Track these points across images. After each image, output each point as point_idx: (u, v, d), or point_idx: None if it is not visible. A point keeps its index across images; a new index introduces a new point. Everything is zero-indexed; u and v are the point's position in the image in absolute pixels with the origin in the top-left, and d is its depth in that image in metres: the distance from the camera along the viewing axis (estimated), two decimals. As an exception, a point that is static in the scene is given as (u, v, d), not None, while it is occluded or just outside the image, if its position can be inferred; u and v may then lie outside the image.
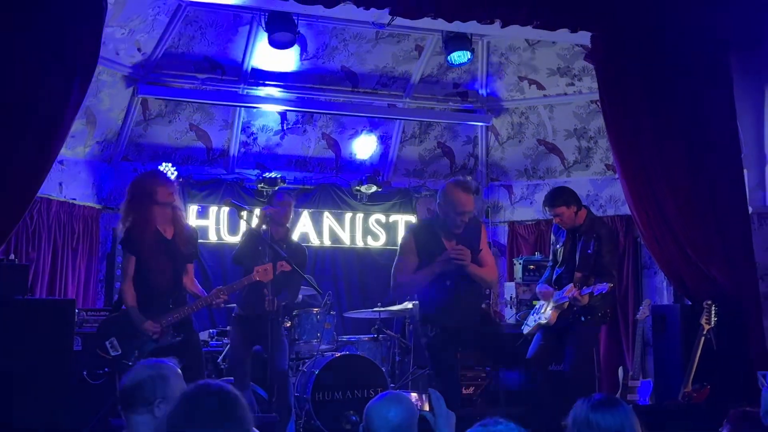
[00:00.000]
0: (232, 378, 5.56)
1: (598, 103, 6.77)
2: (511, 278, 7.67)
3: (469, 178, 8.20)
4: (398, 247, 5.01)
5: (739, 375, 5.60)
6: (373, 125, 8.20)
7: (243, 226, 6.55)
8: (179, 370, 2.74)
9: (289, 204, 5.73)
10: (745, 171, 6.13)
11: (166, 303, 4.84)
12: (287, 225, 5.73)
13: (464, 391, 6.53)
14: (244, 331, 5.60)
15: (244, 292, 5.53)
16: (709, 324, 5.38)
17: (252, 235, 5.45)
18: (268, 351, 5.14)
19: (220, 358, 6.29)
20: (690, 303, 5.94)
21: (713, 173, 5.91)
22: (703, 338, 5.36)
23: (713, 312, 5.39)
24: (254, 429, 2.21)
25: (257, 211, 5.40)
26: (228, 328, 6.37)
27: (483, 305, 5.23)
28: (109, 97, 6.97)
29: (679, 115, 5.90)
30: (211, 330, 6.85)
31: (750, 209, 6.14)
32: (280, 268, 5.19)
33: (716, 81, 6.02)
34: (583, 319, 5.13)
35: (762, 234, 6.25)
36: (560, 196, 5.38)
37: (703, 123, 5.93)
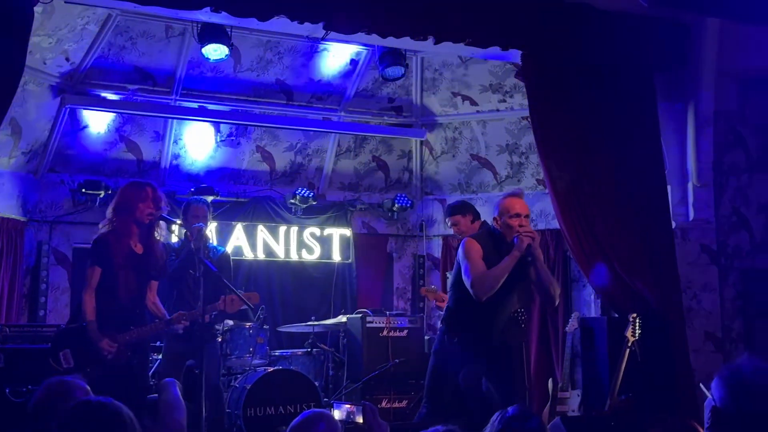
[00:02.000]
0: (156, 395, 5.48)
1: (529, 120, 6.91)
2: (445, 291, 7.73)
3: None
4: (463, 253, 4.88)
5: (663, 386, 5.76)
6: (307, 138, 8.19)
7: (173, 239, 6.46)
8: (87, 388, 2.68)
9: (207, 215, 5.69)
10: (668, 187, 6.31)
11: (127, 320, 4.75)
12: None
13: (396, 405, 6.57)
14: (177, 346, 5.53)
15: (173, 304, 5.47)
16: (634, 336, 5.50)
17: (188, 253, 5.38)
18: (200, 365, 5.09)
19: (151, 372, 6.16)
20: (617, 316, 6.08)
21: (638, 189, 6.07)
22: (628, 350, 5.49)
23: (638, 325, 5.53)
24: None
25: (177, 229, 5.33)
26: (159, 343, 6.27)
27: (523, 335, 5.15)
28: (35, 108, 6.80)
29: (606, 132, 6.05)
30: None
31: (673, 224, 6.32)
32: (248, 301, 5.20)
33: (641, 99, 6.19)
34: None
35: (685, 248, 6.44)
36: (456, 206, 6.13)
37: (628, 140, 6.08)
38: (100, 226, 4.95)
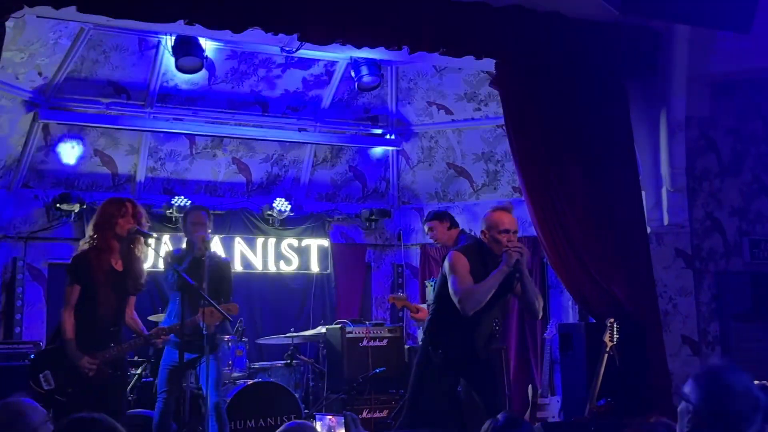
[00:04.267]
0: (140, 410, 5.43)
1: (504, 128, 6.94)
2: (423, 300, 7.74)
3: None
4: (450, 267, 4.77)
5: (643, 390, 5.80)
6: (284, 149, 8.18)
7: (150, 254, 6.38)
8: (35, 405, 2.62)
9: (206, 222, 5.59)
10: (643, 192, 6.37)
11: (107, 338, 4.69)
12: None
13: (377, 415, 6.56)
14: (177, 357, 5.35)
15: (176, 314, 5.32)
16: (611, 341, 5.53)
17: (190, 263, 5.30)
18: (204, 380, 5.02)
19: (128, 388, 6.09)
20: (594, 321, 6.11)
21: (613, 195, 6.12)
22: (606, 355, 5.51)
23: (615, 329, 5.56)
24: None
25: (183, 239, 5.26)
26: (136, 357, 6.23)
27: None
28: (8, 122, 6.74)
29: (580, 139, 6.09)
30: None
31: (648, 229, 6.36)
32: (228, 312, 5.09)
33: (614, 106, 6.24)
34: None
35: (660, 253, 6.48)
36: (435, 212, 6.27)
37: (602, 147, 6.13)
38: (81, 243, 4.88)
